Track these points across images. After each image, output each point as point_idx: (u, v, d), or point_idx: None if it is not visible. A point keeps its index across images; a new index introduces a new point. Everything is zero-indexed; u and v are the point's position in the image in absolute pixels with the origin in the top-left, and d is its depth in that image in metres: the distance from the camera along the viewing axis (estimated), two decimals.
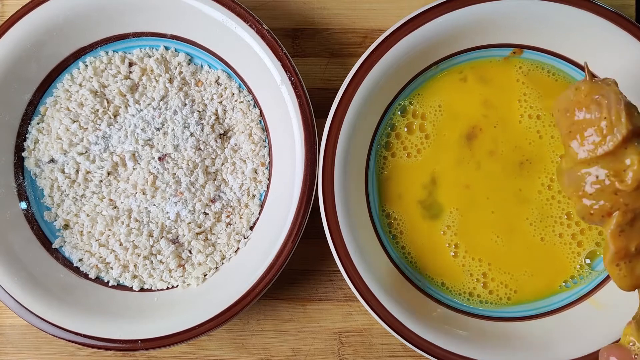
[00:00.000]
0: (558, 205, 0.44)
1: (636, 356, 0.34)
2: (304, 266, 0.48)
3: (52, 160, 0.47)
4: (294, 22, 0.49)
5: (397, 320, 0.42)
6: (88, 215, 0.46)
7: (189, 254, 0.46)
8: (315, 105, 0.44)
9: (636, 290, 0.36)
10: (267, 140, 0.46)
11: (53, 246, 0.46)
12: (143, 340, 0.43)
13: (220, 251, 0.46)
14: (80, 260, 0.46)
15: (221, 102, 0.47)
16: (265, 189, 0.46)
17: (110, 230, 0.46)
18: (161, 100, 0.46)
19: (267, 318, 0.48)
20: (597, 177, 0.35)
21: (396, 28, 0.42)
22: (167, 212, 0.46)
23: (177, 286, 0.46)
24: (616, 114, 0.34)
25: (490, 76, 0.45)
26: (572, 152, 0.36)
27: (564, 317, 0.44)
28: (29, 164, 0.47)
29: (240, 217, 0.46)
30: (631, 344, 0.35)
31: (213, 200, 0.46)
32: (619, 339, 0.37)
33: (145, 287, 0.46)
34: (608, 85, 0.35)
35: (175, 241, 0.46)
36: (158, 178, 0.46)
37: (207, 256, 0.46)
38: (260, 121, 0.46)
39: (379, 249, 0.45)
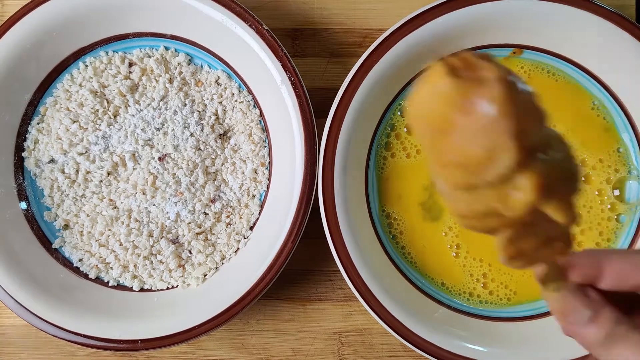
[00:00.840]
0: None
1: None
2: (304, 266, 0.48)
3: (52, 161, 0.47)
4: (294, 22, 0.48)
5: (397, 320, 0.42)
6: (88, 216, 0.46)
7: (189, 254, 0.46)
8: (315, 105, 0.44)
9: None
10: (267, 140, 0.46)
11: (53, 246, 0.46)
12: (143, 340, 0.43)
13: (220, 251, 0.46)
14: (80, 260, 0.46)
15: (221, 102, 0.47)
16: (265, 189, 0.46)
17: (110, 230, 0.46)
18: (161, 100, 0.46)
19: (267, 318, 0.48)
20: (477, 199, 0.25)
21: (396, 28, 0.42)
22: (167, 212, 0.46)
23: (177, 286, 0.46)
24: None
25: None
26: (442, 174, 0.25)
27: None
28: (29, 164, 0.47)
29: (240, 217, 0.46)
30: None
31: (213, 201, 0.46)
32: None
33: (145, 287, 0.46)
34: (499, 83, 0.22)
35: (175, 241, 0.46)
36: (158, 178, 0.46)
37: (207, 256, 0.46)
38: (260, 121, 0.46)
39: (379, 249, 0.45)
